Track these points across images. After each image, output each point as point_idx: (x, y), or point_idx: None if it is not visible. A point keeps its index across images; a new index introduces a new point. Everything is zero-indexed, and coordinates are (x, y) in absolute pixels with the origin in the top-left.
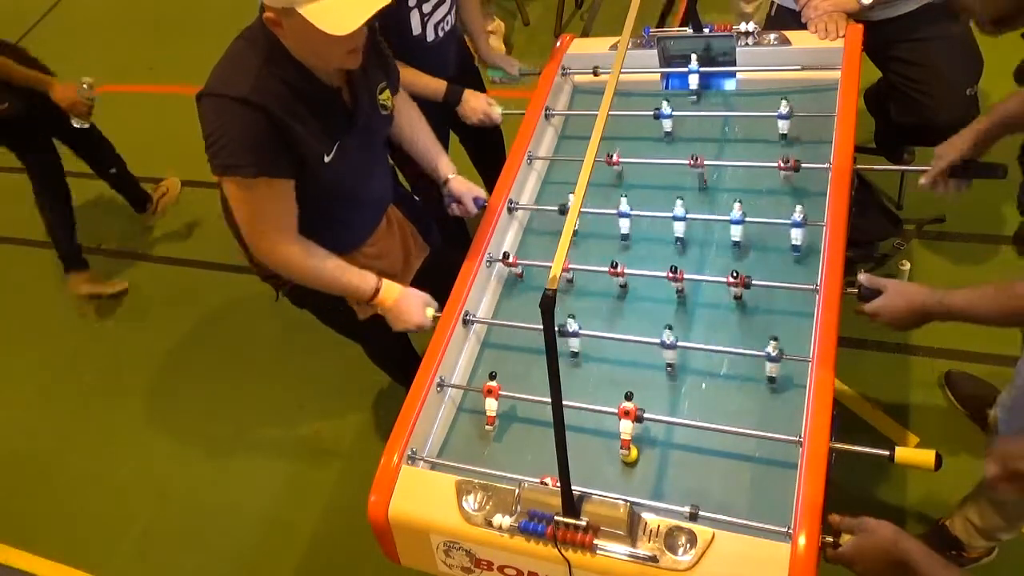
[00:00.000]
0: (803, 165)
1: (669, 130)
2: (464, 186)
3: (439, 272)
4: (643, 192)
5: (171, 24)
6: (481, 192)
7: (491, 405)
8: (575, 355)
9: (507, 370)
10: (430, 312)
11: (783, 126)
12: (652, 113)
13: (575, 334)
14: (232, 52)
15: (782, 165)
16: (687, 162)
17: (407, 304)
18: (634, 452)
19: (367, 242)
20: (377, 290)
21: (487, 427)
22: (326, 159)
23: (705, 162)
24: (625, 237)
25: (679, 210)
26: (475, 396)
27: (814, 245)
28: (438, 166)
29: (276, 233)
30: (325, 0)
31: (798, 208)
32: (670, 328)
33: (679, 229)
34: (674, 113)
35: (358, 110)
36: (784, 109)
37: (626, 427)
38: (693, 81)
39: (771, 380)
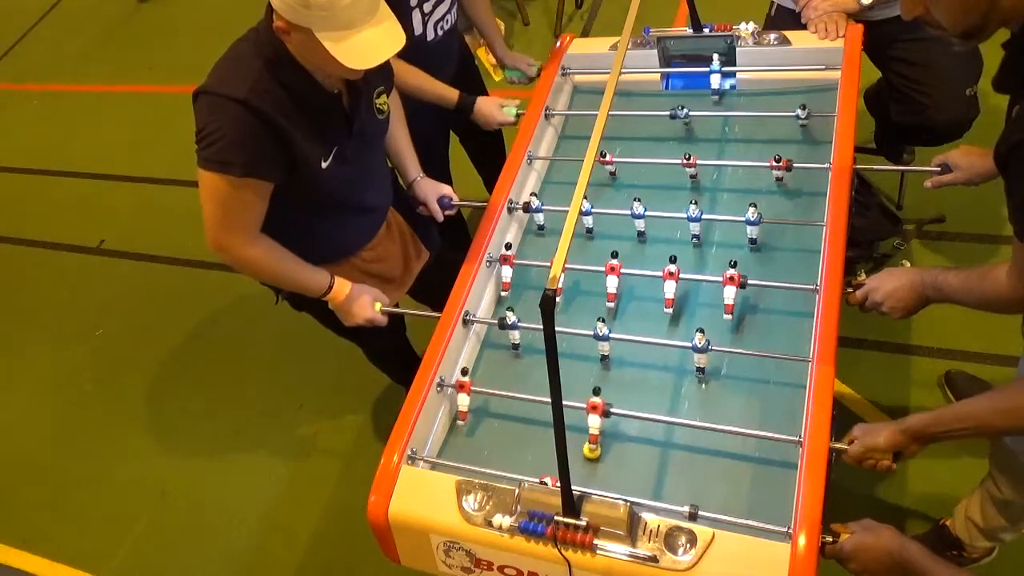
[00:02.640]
0: (803, 165)
1: (679, 128)
2: (430, 187)
3: (439, 273)
4: (640, 192)
5: (171, 24)
6: (447, 191)
7: (463, 401)
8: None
9: (507, 370)
10: (378, 306)
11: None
12: (667, 114)
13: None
14: (234, 52)
15: (774, 164)
16: (679, 162)
17: (356, 300)
18: (597, 451)
19: (366, 246)
20: (330, 287)
21: (459, 422)
22: (323, 164)
23: (698, 162)
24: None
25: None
26: (475, 396)
27: (814, 245)
28: (406, 168)
29: (243, 232)
30: (346, 32)
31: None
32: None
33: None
34: (677, 114)
35: (356, 116)
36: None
37: (594, 422)
38: (715, 81)
39: (700, 371)
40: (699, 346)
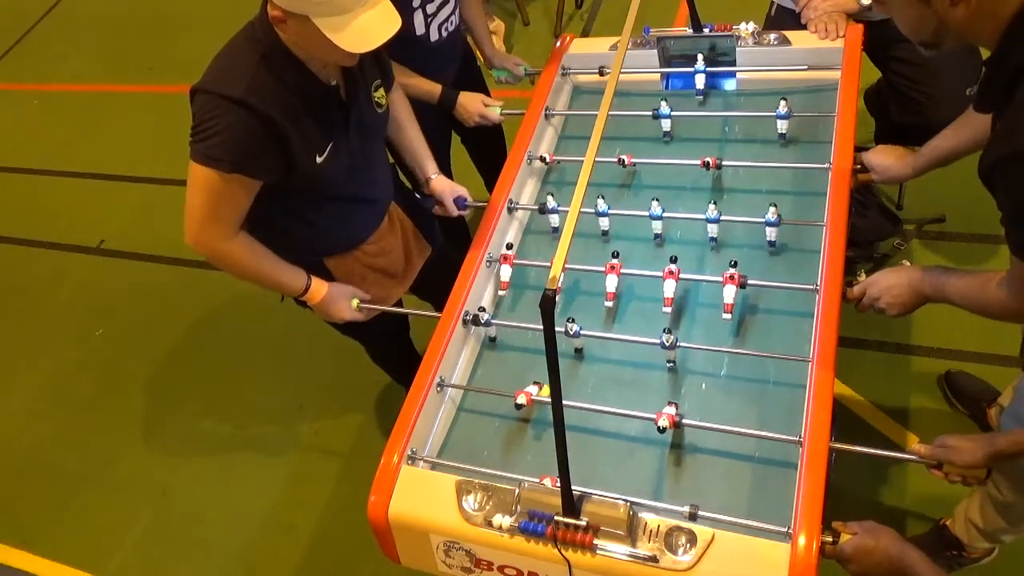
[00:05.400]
0: (803, 165)
1: (668, 130)
2: (446, 186)
3: (440, 271)
4: (630, 191)
5: (171, 24)
6: (463, 191)
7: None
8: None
9: (507, 370)
10: (355, 303)
11: (782, 126)
12: (651, 113)
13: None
14: (230, 48)
15: (703, 163)
16: (614, 160)
17: (334, 299)
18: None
19: (368, 240)
20: (307, 287)
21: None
22: (318, 159)
23: (634, 160)
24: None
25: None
26: (475, 396)
27: (814, 245)
28: (422, 165)
29: (225, 227)
30: (343, 16)
31: (772, 209)
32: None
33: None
34: (673, 113)
35: (353, 107)
36: (783, 109)
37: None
38: (700, 81)
39: (671, 363)
40: (666, 344)
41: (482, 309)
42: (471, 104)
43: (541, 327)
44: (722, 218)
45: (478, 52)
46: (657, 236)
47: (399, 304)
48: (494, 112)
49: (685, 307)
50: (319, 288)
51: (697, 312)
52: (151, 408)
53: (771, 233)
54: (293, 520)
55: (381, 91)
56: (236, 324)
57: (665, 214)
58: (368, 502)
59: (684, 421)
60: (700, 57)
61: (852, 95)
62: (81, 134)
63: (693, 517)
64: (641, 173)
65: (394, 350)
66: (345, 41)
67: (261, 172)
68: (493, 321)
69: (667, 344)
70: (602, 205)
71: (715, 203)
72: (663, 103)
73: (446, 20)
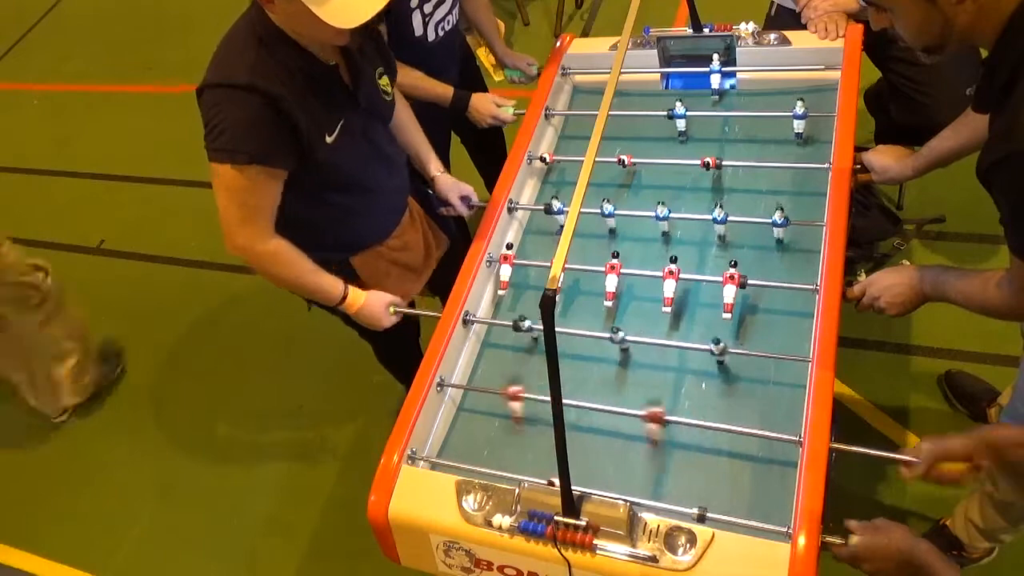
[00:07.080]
0: (803, 165)
1: (682, 130)
2: (450, 184)
3: (450, 265)
4: (631, 191)
5: (171, 23)
6: (468, 189)
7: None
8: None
9: (507, 370)
10: (391, 310)
11: (799, 125)
12: (651, 113)
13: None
14: (227, 40)
15: (703, 163)
16: (614, 160)
17: (373, 307)
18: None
19: (393, 234)
20: (344, 296)
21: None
22: (328, 139)
23: (634, 160)
24: (612, 233)
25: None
26: (475, 396)
27: (814, 245)
28: (427, 164)
29: (257, 226)
30: None
31: (778, 212)
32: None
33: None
34: (673, 113)
35: (359, 88)
36: (800, 109)
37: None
38: (715, 81)
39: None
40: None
41: (524, 318)
42: (483, 105)
43: (541, 327)
44: (728, 219)
45: (479, 52)
46: (664, 234)
47: (412, 303)
48: (507, 112)
49: (685, 307)
50: (356, 297)
51: (697, 312)
52: (151, 408)
53: (778, 233)
54: (293, 520)
55: (386, 79)
56: (236, 324)
57: (668, 215)
58: (368, 502)
59: (682, 420)
60: (715, 57)
61: (852, 95)
62: (81, 134)
63: (702, 519)
64: (641, 173)
65: (404, 352)
66: (330, 15)
67: (278, 159)
68: (535, 327)
69: (717, 353)
70: (607, 207)
71: (720, 204)
72: (678, 103)
73: (443, 19)
